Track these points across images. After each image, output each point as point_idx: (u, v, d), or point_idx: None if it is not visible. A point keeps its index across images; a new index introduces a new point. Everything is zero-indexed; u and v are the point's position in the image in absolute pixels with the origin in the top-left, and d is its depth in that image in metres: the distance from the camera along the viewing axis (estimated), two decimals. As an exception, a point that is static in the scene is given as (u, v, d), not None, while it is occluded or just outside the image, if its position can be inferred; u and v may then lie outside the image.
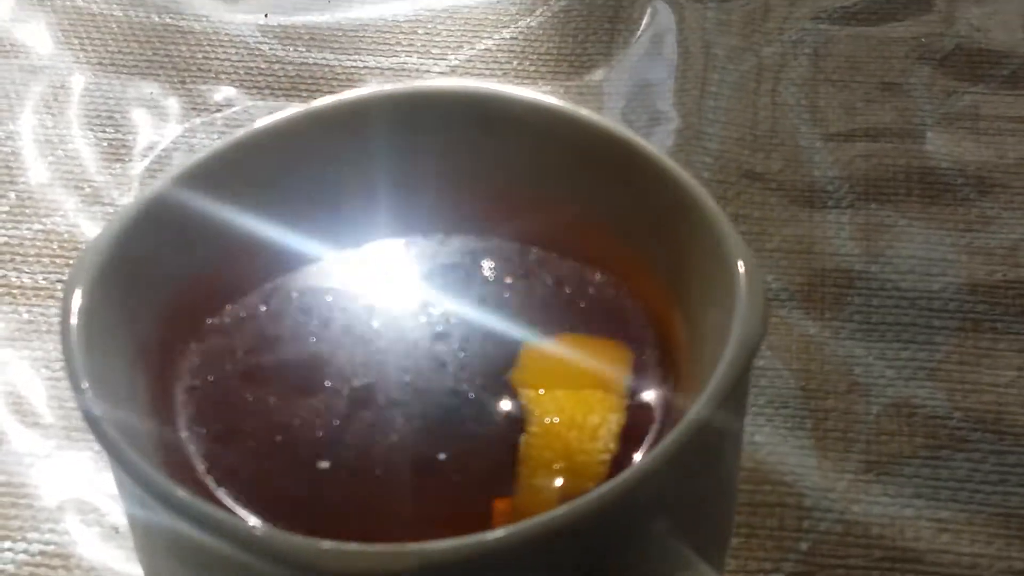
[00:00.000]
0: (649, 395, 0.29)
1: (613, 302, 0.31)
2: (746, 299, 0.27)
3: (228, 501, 0.28)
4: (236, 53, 0.53)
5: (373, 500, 0.28)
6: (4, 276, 0.45)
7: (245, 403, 0.30)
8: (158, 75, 0.52)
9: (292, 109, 0.32)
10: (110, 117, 0.50)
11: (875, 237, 0.45)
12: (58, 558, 0.37)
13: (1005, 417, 0.40)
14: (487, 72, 0.51)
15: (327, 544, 0.24)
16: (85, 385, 0.27)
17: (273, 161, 0.31)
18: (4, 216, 0.47)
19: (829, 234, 0.45)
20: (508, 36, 0.53)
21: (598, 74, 0.51)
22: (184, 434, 0.29)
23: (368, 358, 0.30)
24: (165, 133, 0.50)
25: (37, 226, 0.46)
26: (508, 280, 0.31)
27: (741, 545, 0.37)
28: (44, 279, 0.45)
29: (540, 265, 0.31)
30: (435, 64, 0.52)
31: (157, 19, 0.54)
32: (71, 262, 0.43)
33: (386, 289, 0.32)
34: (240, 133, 0.31)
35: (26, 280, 0.45)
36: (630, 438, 0.28)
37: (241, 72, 0.52)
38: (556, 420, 0.29)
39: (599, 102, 0.50)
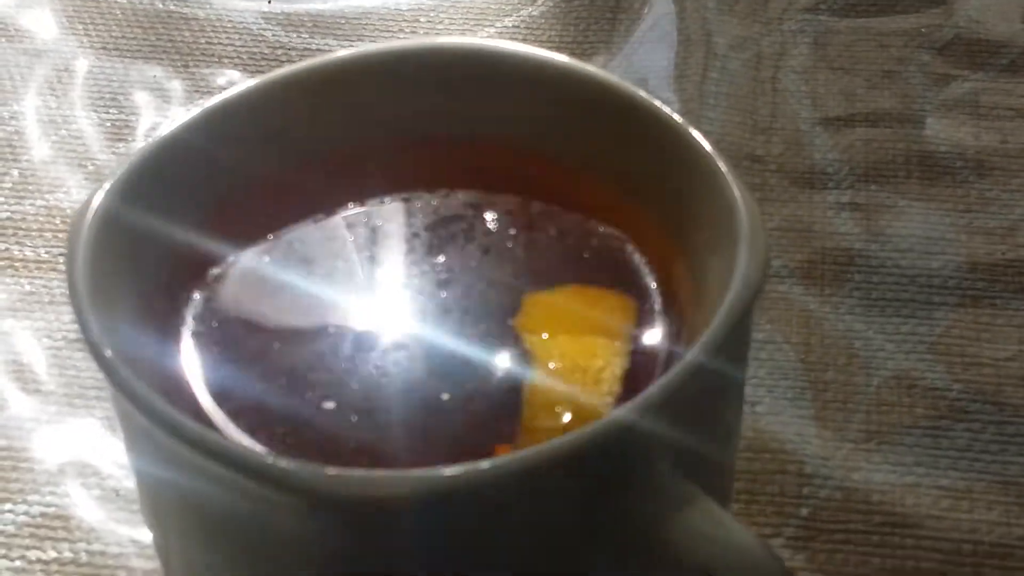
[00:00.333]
0: (652, 341, 0.29)
1: (616, 252, 0.31)
2: (747, 244, 0.27)
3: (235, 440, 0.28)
4: (239, 38, 0.53)
5: (377, 441, 0.28)
6: (7, 249, 0.45)
7: (250, 349, 0.30)
8: (161, 59, 0.52)
9: (300, 63, 0.32)
10: (113, 99, 0.51)
11: (875, 217, 0.45)
12: (58, 520, 0.37)
13: (1005, 389, 0.40)
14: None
15: (331, 470, 0.24)
16: (93, 325, 0.27)
17: (278, 114, 0.32)
18: (7, 192, 0.47)
19: (829, 214, 0.45)
20: (510, 24, 0.53)
21: (599, 62, 0.51)
22: (190, 379, 0.29)
23: (372, 305, 0.30)
24: (168, 114, 0.50)
25: (40, 202, 0.47)
26: (511, 231, 0.31)
27: (741, 511, 0.37)
28: (46, 252, 0.45)
29: (543, 217, 0.32)
30: (437, 50, 0.52)
31: (161, 5, 0.54)
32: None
33: (389, 240, 0.32)
34: (244, 85, 0.31)
35: (28, 253, 0.45)
36: (633, 382, 0.28)
37: (244, 57, 0.52)
38: (559, 364, 0.29)
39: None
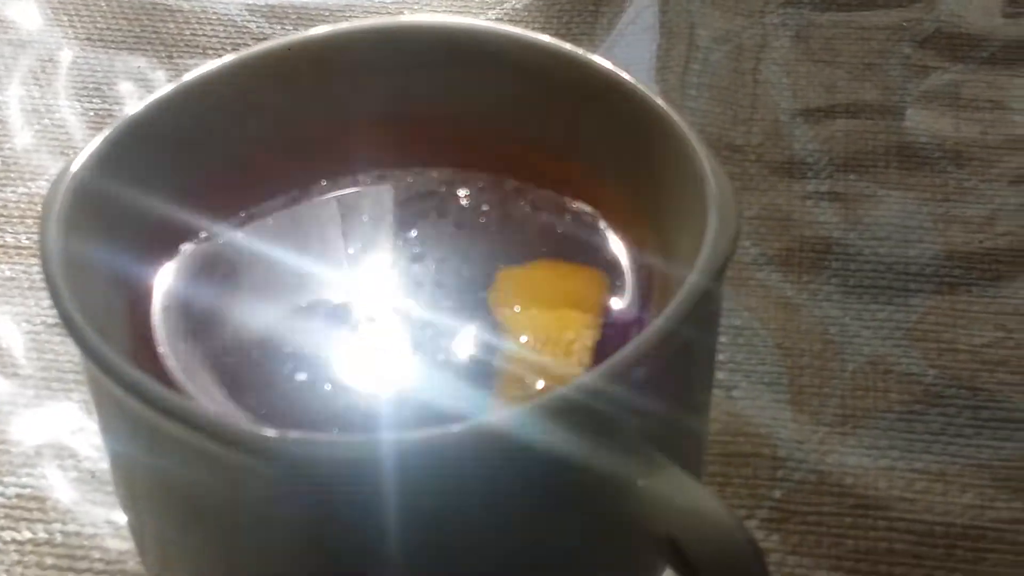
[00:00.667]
0: (624, 313, 0.30)
1: (588, 228, 0.31)
2: (717, 213, 0.28)
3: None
4: (224, 30, 0.53)
5: (350, 412, 0.28)
6: (-12, 235, 0.45)
7: (223, 322, 0.30)
8: (146, 50, 0.52)
9: (277, 40, 0.32)
10: (97, 89, 0.51)
11: (853, 206, 0.45)
12: (34, 501, 0.37)
13: (980, 375, 0.40)
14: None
15: (292, 433, 0.25)
16: (64, 292, 0.27)
17: (253, 91, 0.32)
18: (-11, 179, 0.47)
19: (808, 203, 0.45)
20: (494, 16, 0.53)
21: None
22: (162, 351, 0.29)
23: (345, 279, 0.31)
24: (151, 104, 0.50)
25: (22, 189, 0.47)
26: (484, 207, 0.32)
27: (716, 493, 0.37)
28: (27, 239, 0.45)
29: (516, 193, 0.32)
30: (421, 42, 0.52)
31: (146, -2, 0.55)
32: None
33: (363, 216, 0.32)
34: (220, 61, 0.31)
35: (9, 239, 0.45)
36: (604, 354, 0.29)
37: (228, 48, 0.52)
38: (531, 337, 0.29)
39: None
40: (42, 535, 0.37)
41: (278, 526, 0.26)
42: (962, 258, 0.43)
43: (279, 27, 0.53)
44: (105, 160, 0.29)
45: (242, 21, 0.54)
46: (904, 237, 0.44)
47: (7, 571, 0.36)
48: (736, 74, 0.50)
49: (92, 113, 0.50)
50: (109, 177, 0.29)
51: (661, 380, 0.26)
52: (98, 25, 0.53)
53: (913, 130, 0.48)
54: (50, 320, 0.42)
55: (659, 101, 0.30)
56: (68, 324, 0.26)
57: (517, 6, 0.54)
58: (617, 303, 0.30)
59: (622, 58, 0.51)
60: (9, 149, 0.48)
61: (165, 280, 0.31)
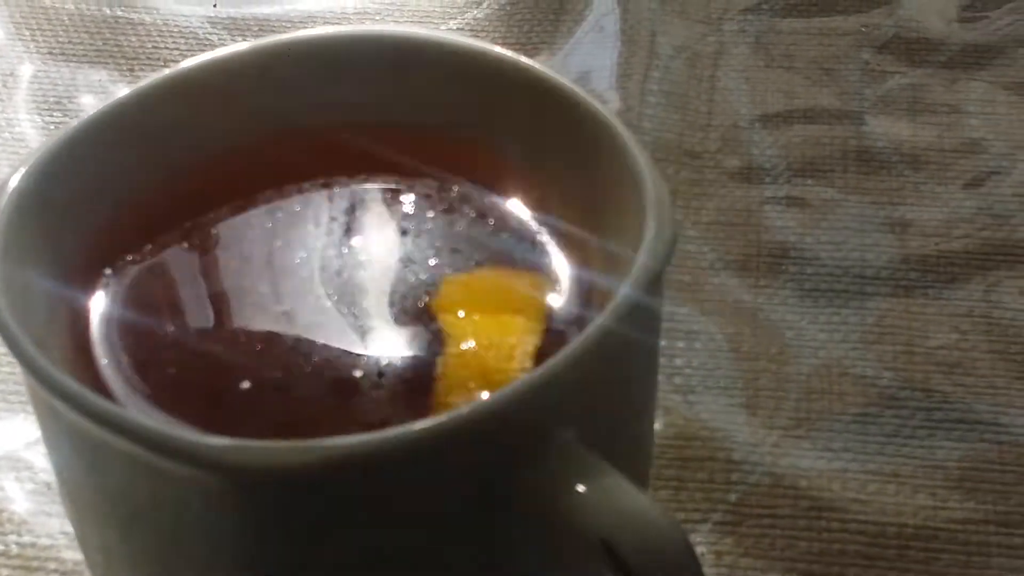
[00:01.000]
0: (566, 319, 0.30)
1: (531, 234, 0.31)
2: (654, 217, 0.28)
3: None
4: (185, 43, 0.53)
5: (293, 419, 0.28)
6: (-54, 249, 0.45)
7: (165, 332, 0.30)
8: (107, 63, 0.52)
9: (219, 51, 0.32)
10: (58, 102, 0.51)
11: (810, 211, 0.45)
12: (-10, 513, 0.38)
13: (934, 377, 0.40)
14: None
15: (230, 440, 0.25)
16: (3, 303, 0.27)
17: (196, 101, 0.32)
18: (-51, 193, 0.47)
19: (765, 208, 0.45)
20: (455, 27, 0.54)
21: (542, 61, 0.52)
22: (103, 362, 0.29)
23: (289, 287, 0.31)
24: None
25: (-19, 203, 0.47)
26: (429, 214, 0.32)
27: (670, 497, 0.37)
28: (-14, 253, 0.45)
29: (460, 200, 0.32)
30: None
31: (108, 11, 0.55)
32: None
33: (307, 224, 0.32)
34: (162, 73, 0.31)
35: (-32, 253, 0.45)
36: (546, 358, 0.29)
37: (190, 60, 0.52)
38: (473, 342, 0.29)
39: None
40: (-2, 547, 0.37)
41: (217, 534, 0.26)
42: (918, 261, 0.43)
43: (240, 39, 0.53)
44: (44, 175, 0.29)
45: (204, 34, 0.54)
46: (861, 241, 0.44)
47: (-39, 584, 0.36)
48: (695, 80, 0.50)
49: (53, 127, 0.50)
50: (48, 191, 0.29)
51: (599, 384, 0.27)
52: (60, 39, 0.53)
53: (871, 134, 0.48)
54: (7, 333, 0.42)
55: (599, 106, 0.30)
56: (6, 337, 0.27)
57: (479, 15, 0.54)
58: (560, 308, 0.30)
59: (582, 66, 0.51)
60: (-31, 163, 0.48)
61: (106, 293, 0.31)
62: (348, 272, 0.31)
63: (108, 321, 0.30)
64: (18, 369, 0.41)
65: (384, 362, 0.29)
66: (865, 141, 0.48)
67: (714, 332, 0.42)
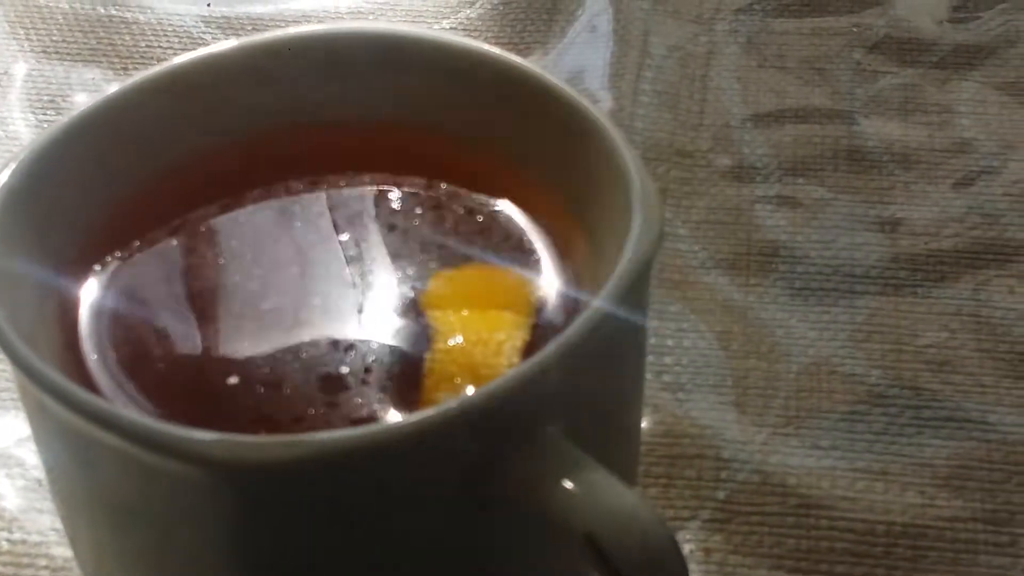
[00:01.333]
0: (554, 315, 0.30)
1: (518, 230, 0.31)
2: (641, 213, 0.28)
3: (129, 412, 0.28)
4: (179, 41, 0.53)
5: (282, 414, 0.28)
6: (-61, 247, 0.45)
7: (154, 328, 0.30)
8: (101, 62, 0.53)
9: (207, 48, 0.32)
10: (51, 101, 0.51)
11: (801, 210, 0.45)
12: (-20, 509, 0.38)
13: (922, 375, 0.40)
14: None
15: (216, 434, 0.25)
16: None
17: (184, 98, 0.32)
18: (-58, 191, 0.47)
19: (756, 207, 0.45)
20: (448, 26, 0.54)
21: (534, 60, 0.52)
22: (92, 358, 0.30)
23: (277, 283, 0.31)
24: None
25: (-26, 201, 0.47)
26: (417, 211, 0.32)
27: (659, 495, 0.37)
28: (-21, 250, 0.45)
29: (448, 197, 0.32)
30: (375, 51, 0.52)
31: (103, 10, 0.55)
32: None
33: (295, 221, 0.32)
34: (151, 70, 0.32)
35: (-39, 251, 0.45)
36: (533, 354, 0.29)
37: (183, 59, 0.52)
38: (461, 338, 0.29)
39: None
40: (-11, 544, 0.37)
41: (206, 529, 0.27)
42: (907, 260, 0.43)
43: (234, 37, 0.53)
44: (33, 171, 0.29)
45: (197, 32, 0.54)
46: (851, 240, 0.44)
47: (-48, 580, 0.36)
48: (687, 80, 0.50)
49: (46, 125, 0.50)
50: (38, 188, 0.29)
51: (586, 379, 0.27)
52: (53, 37, 0.53)
53: (861, 134, 0.48)
54: None
55: (587, 104, 0.30)
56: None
57: (471, 15, 0.54)
58: (548, 304, 0.30)
59: (575, 66, 0.52)
60: (-37, 161, 0.48)
61: (95, 289, 0.31)
62: (336, 268, 0.31)
63: (97, 317, 0.30)
64: (8, 366, 0.41)
65: (372, 358, 0.29)
66: (856, 141, 0.48)
67: (704, 330, 0.42)
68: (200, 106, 0.32)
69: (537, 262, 0.31)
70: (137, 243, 0.31)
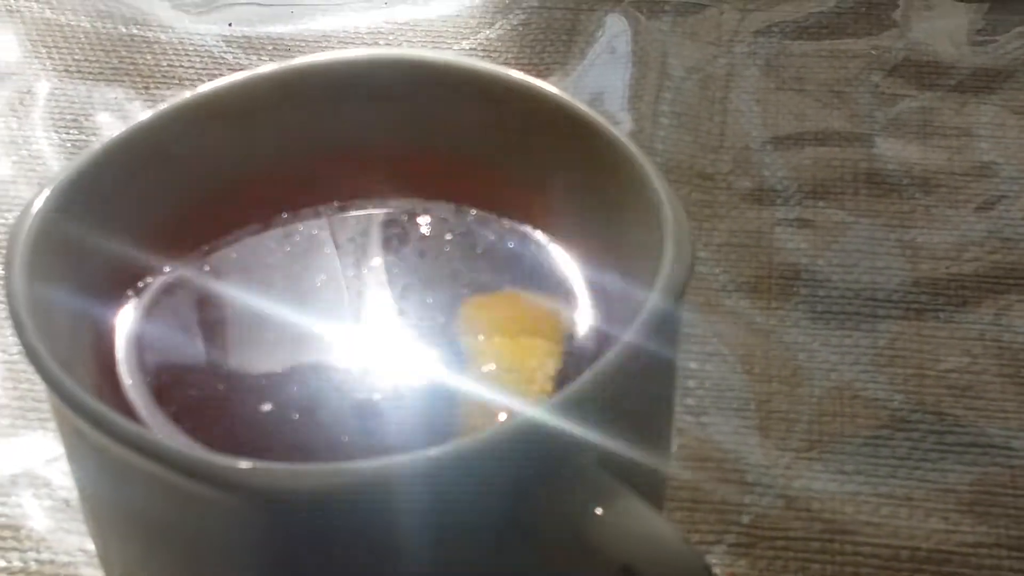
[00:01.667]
0: (584, 342, 0.30)
1: (549, 257, 0.32)
2: (673, 244, 0.28)
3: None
4: (200, 61, 0.54)
5: (315, 442, 0.29)
6: (-36, 266, 0.45)
7: (187, 355, 0.30)
8: (123, 81, 0.53)
9: (237, 75, 0.32)
10: (74, 120, 0.51)
11: (822, 233, 0.46)
12: (8, 529, 0.38)
13: (945, 400, 0.40)
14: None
15: (251, 463, 0.25)
16: (29, 325, 0.28)
17: (214, 126, 0.32)
18: (-34, 210, 0.47)
19: (777, 230, 0.46)
20: (468, 47, 0.54)
21: (554, 83, 0.52)
22: (126, 385, 0.30)
23: (309, 309, 0.31)
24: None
25: (-1, 220, 0.47)
26: (448, 237, 0.32)
27: (684, 519, 0.37)
28: (3, 269, 0.45)
29: (478, 223, 0.32)
30: (395, 72, 0.53)
31: (124, 30, 0.55)
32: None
33: (325, 248, 0.32)
34: (181, 97, 0.32)
35: (-15, 270, 0.45)
36: (566, 381, 0.29)
37: (205, 79, 0.53)
38: (495, 366, 0.29)
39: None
40: (16, 564, 0.37)
41: (241, 556, 0.27)
42: (929, 284, 0.44)
43: (255, 58, 0.54)
44: (69, 195, 0.30)
45: (219, 52, 0.54)
46: (872, 263, 0.44)
47: (-20, 601, 0.36)
48: (707, 102, 0.51)
49: (70, 144, 0.50)
50: (73, 212, 0.30)
51: (618, 408, 0.27)
52: (76, 57, 0.54)
53: (881, 157, 0.48)
54: (25, 350, 0.42)
55: (615, 131, 0.30)
56: (32, 358, 0.27)
57: (491, 36, 0.54)
58: (578, 330, 0.30)
59: (594, 87, 0.52)
60: (-14, 180, 0.49)
61: (129, 315, 0.31)
62: (368, 295, 0.31)
63: (131, 343, 0.30)
64: (36, 386, 0.41)
65: (405, 385, 0.29)
66: (876, 164, 0.48)
67: (726, 353, 0.42)
68: (231, 132, 0.32)
69: (567, 289, 0.31)
70: (169, 268, 0.31)
